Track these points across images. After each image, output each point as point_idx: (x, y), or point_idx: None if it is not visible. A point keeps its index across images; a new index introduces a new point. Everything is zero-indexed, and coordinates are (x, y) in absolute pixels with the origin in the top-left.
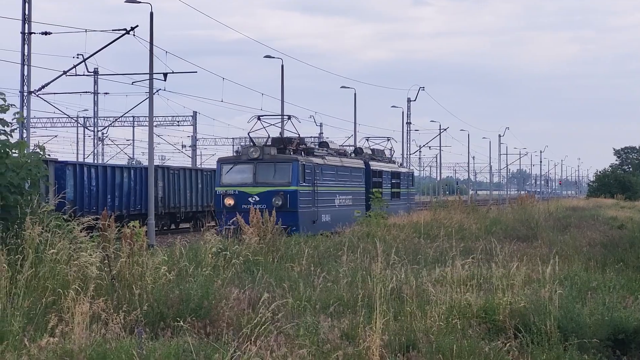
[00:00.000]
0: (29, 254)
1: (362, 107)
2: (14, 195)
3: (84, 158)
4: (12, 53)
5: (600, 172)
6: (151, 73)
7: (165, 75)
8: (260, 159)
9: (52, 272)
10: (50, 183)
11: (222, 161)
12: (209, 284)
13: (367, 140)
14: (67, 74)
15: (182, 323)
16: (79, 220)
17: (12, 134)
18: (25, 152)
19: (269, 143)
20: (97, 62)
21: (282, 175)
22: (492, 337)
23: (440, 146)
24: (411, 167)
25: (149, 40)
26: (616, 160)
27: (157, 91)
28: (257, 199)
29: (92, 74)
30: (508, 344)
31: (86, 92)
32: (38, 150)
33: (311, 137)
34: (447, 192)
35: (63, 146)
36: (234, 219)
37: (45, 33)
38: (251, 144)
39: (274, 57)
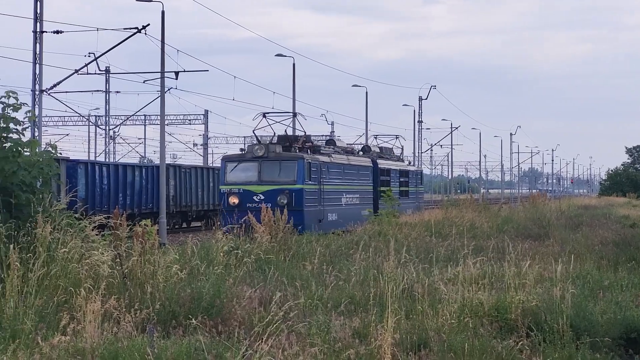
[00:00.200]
0: (41, 253)
1: (374, 106)
2: (25, 194)
3: (95, 156)
4: (24, 52)
5: (612, 170)
6: (162, 72)
7: (176, 73)
8: (265, 156)
9: (63, 271)
10: (62, 182)
11: (226, 159)
12: (220, 282)
13: (376, 138)
14: (79, 72)
15: (194, 321)
16: (91, 218)
17: (24, 132)
18: (37, 150)
19: (275, 141)
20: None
21: (287, 174)
22: (504, 335)
23: (451, 145)
24: (421, 166)
25: (160, 39)
26: (628, 159)
27: (169, 90)
28: (262, 197)
29: (104, 72)
30: (520, 343)
31: (98, 90)
32: (50, 148)
33: (322, 135)
34: (459, 191)
35: (75, 145)
36: (245, 217)
37: (57, 32)
38: (256, 141)
39: (285, 56)
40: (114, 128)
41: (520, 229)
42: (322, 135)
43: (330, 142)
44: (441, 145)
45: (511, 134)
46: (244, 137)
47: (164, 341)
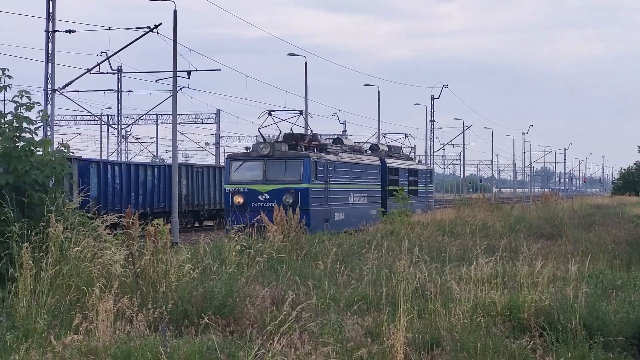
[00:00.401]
0: (54, 252)
1: (386, 105)
2: (38, 193)
3: (107, 156)
4: (37, 51)
5: (624, 169)
6: (175, 71)
7: (188, 73)
8: (271, 155)
9: (76, 270)
10: (75, 181)
11: (231, 158)
12: (233, 281)
13: (384, 136)
14: (91, 72)
15: (206, 320)
16: (103, 218)
17: (37, 132)
18: (50, 150)
19: (281, 139)
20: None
21: (293, 173)
22: (516, 335)
23: (463, 144)
24: (433, 165)
25: (172, 38)
26: None
27: (181, 89)
28: (267, 197)
29: (116, 71)
30: (533, 342)
31: (110, 90)
32: (62, 148)
33: (334, 134)
34: (471, 190)
35: (87, 144)
36: (258, 217)
37: (69, 31)
38: (262, 140)
39: (297, 55)
40: (126, 127)
41: (532, 228)
42: (334, 134)
43: (338, 140)
44: (453, 145)
45: (523, 133)
46: (256, 136)
47: (177, 340)
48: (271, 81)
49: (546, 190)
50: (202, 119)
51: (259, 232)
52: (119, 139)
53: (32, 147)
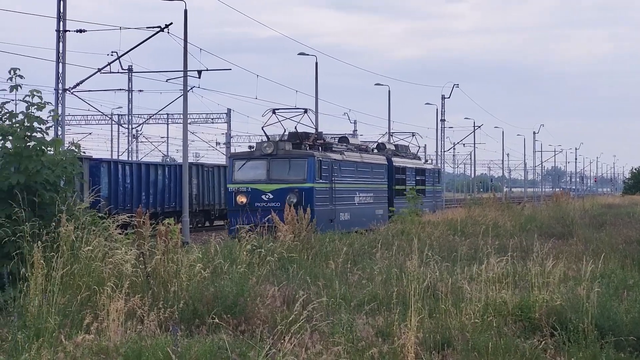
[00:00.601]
0: (65, 251)
1: (396, 104)
2: (49, 192)
3: (118, 155)
4: (48, 51)
5: (636, 169)
6: (185, 70)
7: (199, 72)
8: (274, 154)
9: (87, 270)
10: (85, 180)
11: (234, 157)
12: (243, 281)
13: (392, 135)
14: (102, 71)
15: (217, 320)
16: (114, 217)
17: (48, 131)
18: (61, 149)
19: (285, 138)
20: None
21: (297, 172)
22: (527, 335)
23: (474, 143)
24: (444, 164)
25: (183, 38)
26: None
27: (192, 88)
28: (271, 196)
29: (127, 71)
30: (544, 342)
31: (120, 89)
32: (73, 147)
33: (345, 134)
34: (482, 190)
35: (97, 143)
36: (269, 217)
37: (80, 31)
38: (265, 138)
39: (308, 55)
40: (137, 127)
41: (543, 227)
42: (345, 134)
43: (344, 139)
44: (464, 144)
45: (534, 133)
46: (267, 135)
47: (188, 340)
48: (282, 81)
49: (557, 189)
50: (212, 119)
51: (269, 232)
52: (130, 139)
53: (43, 147)
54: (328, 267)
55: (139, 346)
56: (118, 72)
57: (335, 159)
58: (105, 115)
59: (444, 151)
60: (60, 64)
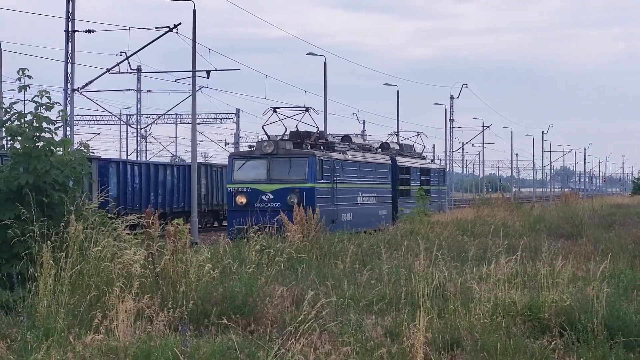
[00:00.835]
0: (74, 252)
1: (405, 105)
2: (58, 192)
3: (127, 155)
4: (57, 51)
5: None
6: (194, 71)
7: (208, 72)
8: (275, 154)
9: (96, 270)
10: (94, 180)
11: (234, 156)
12: (252, 281)
13: (397, 135)
14: (111, 71)
15: (226, 321)
16: (123, 218)
17: (57, 131)
18: (70, 149)
19: (287, 137)
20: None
21: (297, 172)
22: (537, 335)
23: (483, 143)
24: (451, 164)
25: (191, 38)
26: None
27: (200, 89)
28: (271, 196)
29: (135, 71)
30: (553, 343)
31: (129, 89)
32: (82, 147)
33: (354, 134)
34: (490, 190)
35: (106, 144)
36: (278, 216)
37: (89, 31)
38: (266, 138)
39: (316, 55)
40: (146, 127)
41: (552, 228)
42: (353, 134)
43: (346, 138)
44: (473, 144)
45: (543, 132)
46: (275, 136)
47: (197, 340)
48: (290, 81)
49: (566, 189)
50: (221, 119)
51: (278, 232)
52: (138, 139)
53: (52, 147)
54: (337, 267)
55: (148, 346)
56: (127, 72)
57: (337, 159)
58: (114, 115)
59: (453, 151)
60: (69, 64)
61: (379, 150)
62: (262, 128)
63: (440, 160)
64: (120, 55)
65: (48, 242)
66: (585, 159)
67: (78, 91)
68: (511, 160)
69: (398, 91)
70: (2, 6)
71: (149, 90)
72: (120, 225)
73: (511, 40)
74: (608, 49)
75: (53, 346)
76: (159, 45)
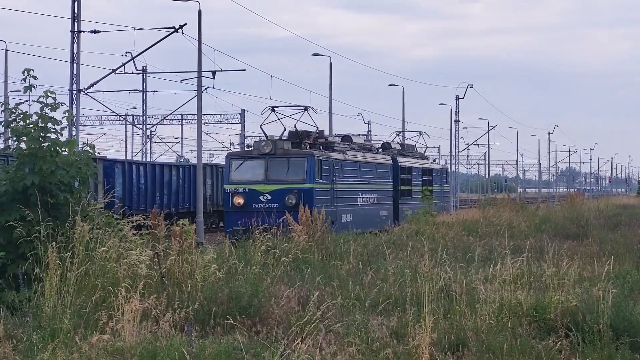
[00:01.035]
0: (79, 252)
1: (410, 105)
2: (64, 193)
3: (132, 156)
4: (62, 51)
5: None
6: (199, 71)
7: (213, 73)
8: (273, 154)
9: (102, 270)
10: (100, 181)
11: (231, 156)
12: (258, 282)
13: (398, 135)
14: (116, 72)
15: (232, 321)
16: (129, 218)
17: (62, 132)
18: (75, 150)
19: (285, 137)
20: (145, 60)
21: (296, 172)
22: (542, 336)
23: (488, 144)
24: (456, 165)
25: (197, 38)
26: None
27: (206, 89)
28: (269, 197)
29: (141, 72)
30: (559, 343)
31: (135, 90)
32: (87, 148)
33: (360, 134)
34: (496, 190)
35: (112, 144)
36: (283, 217)
37: (95, 31)
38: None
39: (322, 55)
40: (151, 127)
41: (558, 228)
42: (359, 135)
43: (347, 138)
44: (478, 145)
45: (549, 133)
46: (273, 135)
47: (203, 340)
48: (296, 81)
49: (571, 190)
50: (226, 119)
51: (283, 233)
52: (144, 139)
53: (57, 148)
54: (342, 268)
55: (153, 347)
56: (132, 73)
57: (336, 159)
58: (120, 115)
59: (458, 152)
60: (75, 65)
61: (380, 150)
62: (260, 127)
63: (446, 160)
64: (126, 55)
65: (54, 242)
66: (590, 159)
67: (84, 92)
68: (517, 161)
69: (404, 92)
70: (7, 7)
71: (154, 91)
72: (126, 225)
73: (517, 40)
74: (614, 49)
75: (59, 347)
76: (165, 45)
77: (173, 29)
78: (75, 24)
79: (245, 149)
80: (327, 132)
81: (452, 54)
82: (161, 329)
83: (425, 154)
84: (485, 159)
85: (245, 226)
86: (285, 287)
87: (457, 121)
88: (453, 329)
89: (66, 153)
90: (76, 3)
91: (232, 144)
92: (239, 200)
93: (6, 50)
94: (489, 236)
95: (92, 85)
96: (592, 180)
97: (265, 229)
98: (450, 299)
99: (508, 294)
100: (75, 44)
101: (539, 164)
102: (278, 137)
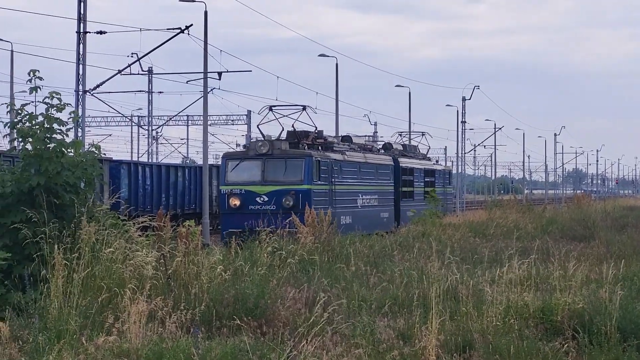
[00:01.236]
0: (85, 253)
1: (417, 106)
2: (69, 194)
3: (138, 157)
4: (68, 52)
5: None
6: (205, 72)
7: (219, 74)
8: (270, 154)
9: (108, 271)
10: (105, 182)
11: (227, 157)
12: (264, 283)
13: (400, 135)
14: (122, 73)
15: (238, 322)
16: (135, 219)
17: (68, 133)
18: (81, 151)
19: (283, 137)
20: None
21: (293, 173)
22: (549, 338)
23: (495, 145)
24: (462, 166)
25: (203, 39)
26: None
27: (212, 90)
28: (266, 199)
29: (147, 73)
30: (566, 345)
31: (140, 91)
32: (93, 149)
33: (366, 135)
34: (502, 192)
35: (117, 145)
36: (289, 218)
37: (100, 32)
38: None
39: (328, 56)
40: (157, 128)
41: (565, 230)
42: (365, 136)
43: (347, 138)
44: (484, 146)
45: (555, 134)
46: (270, 135)
47: (209, 342)
48: (302, 82)
49: (578, 191)
50: (232, 120)
51: (289, 234)
52: (150, 140)
53: (63, 149)
54: (348, 270)
55: (160, 348)
56: (138, 74)
57: (335, 159)
58: (126, 116)
59: (465, 153)
60: (81, 66)
61: (382, 150)
62: (257, 127)
63: (452, 162)
64: (132, 56)
65: (60, 243)
66: (597, 160)
67: (89, 92)
68: (523, 162)
69: (410, 93)
70: (13, 7)
71: (160, 92)
72: (132, 227)
73: (523, 41)
74: (620, 49)
75: (65, 348)
76: (171, 46)
77: (179, 30)
78: (81, 24)
79: (242, 149)
80: (333, 134)
81: (458, 55)
82: (167, 331)
83: (428, 155)
84: (491, 160)
85: (240, 228)
86: (292, 289)
87: (463, 122)
88: (460, 330)
89: (72, 154)
90: (82, 4)
91: (238, 145)
92: (235, 202)
93: (12, 51)
94: (496, 238)
95: (98, 86)
96: (599, 181)
97: (271, 230)
98: (456, 300)
99: (515, 295)
100: (81, 45)
101: (546, 166)
102: (276, 137)
